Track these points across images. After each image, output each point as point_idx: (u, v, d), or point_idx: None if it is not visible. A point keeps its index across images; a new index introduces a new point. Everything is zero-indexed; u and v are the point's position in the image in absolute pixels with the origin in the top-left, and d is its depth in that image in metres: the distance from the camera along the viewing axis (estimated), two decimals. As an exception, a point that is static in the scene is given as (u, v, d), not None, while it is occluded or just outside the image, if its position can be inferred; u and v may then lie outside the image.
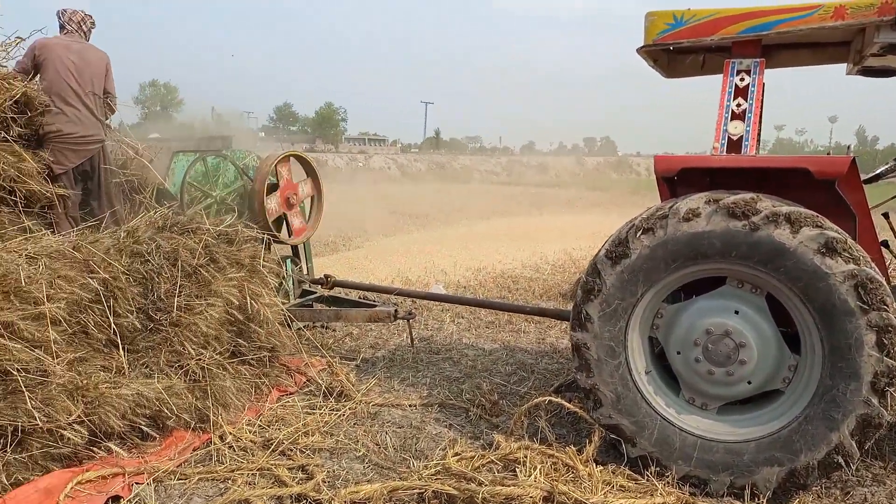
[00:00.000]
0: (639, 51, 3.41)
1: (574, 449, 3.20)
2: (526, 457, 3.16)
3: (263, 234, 4.46)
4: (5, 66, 4.27)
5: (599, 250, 3.16)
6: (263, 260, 4.29)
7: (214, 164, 5.08)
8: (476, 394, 4.26)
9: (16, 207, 3.81)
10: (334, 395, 4.22)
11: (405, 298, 6.40)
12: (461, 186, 30.00)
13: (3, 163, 3.70)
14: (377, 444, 3.61)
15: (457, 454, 3.28)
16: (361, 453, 3.50)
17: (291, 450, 3.47)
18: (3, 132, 3.89)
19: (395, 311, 4.86)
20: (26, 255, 3.21)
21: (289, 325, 4.57)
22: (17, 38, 4.27)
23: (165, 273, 3.74)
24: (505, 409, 4.10)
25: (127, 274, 3.60)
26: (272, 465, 3.27)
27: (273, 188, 5.03)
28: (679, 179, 3.25)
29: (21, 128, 4.01)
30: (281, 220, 5.26)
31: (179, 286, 3.75)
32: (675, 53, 3.57)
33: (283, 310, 4.24)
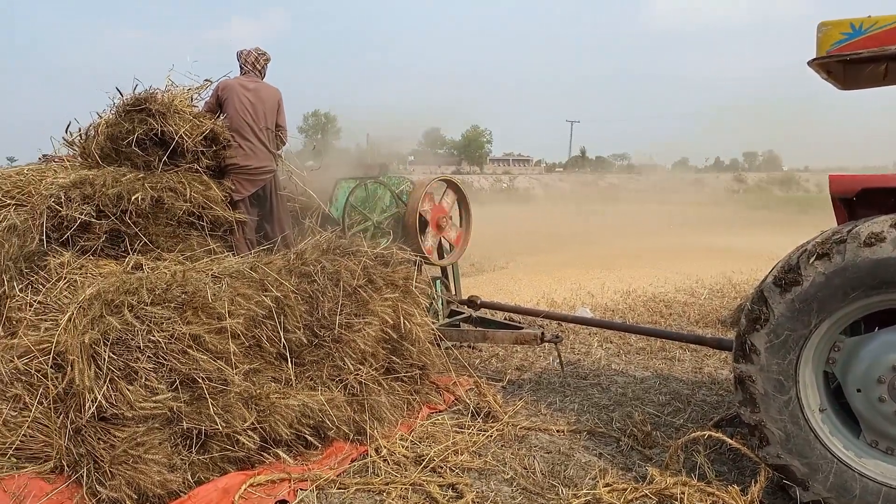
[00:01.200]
0: (811, 63, 3.17)
1: (737, 488, 3.00)
2: (683, 493, 3.01)
3: (416, 256, 4.62)
4: (196, 106, 4.82)
5: (766, 276, 2.95)
6: (416, 281, 4.47)
7: (373, 189, 5.38)
8: (627, 423, 4.12)
9: (203, 231, 4.28)
10: (482, 415, 4.27)
11: (551, 321, 6.34)
12: (608, 206, 29.26)
13: (194, 191, 4.17)
14: (525, 468, 3.59)
15: (608, 485, 3.19)
16: (509, 476, 3.50)
17: (442, 467, 3.55)
18: (195, 164, 4.39)
19: (542, 333, 4.83)
20: (212, 274, 3.58)
21: (438, 345, 4.70)
22: (206, 80, 4.81)
23: (329, 293, 4.01)
24: (659, 440, 3.92)
25: (296, 293, 3.90)
26: (424, 480, 3.36)
27: (425, 220, 5.22)
28: (858, 200, 2.96)
29: (208, 160, 4.50)
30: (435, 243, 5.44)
31: (341, 305, 4.00)
32: (851, 64, 3.28)
33: (432, 329, 4.37)
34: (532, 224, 19.69)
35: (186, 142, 4.23)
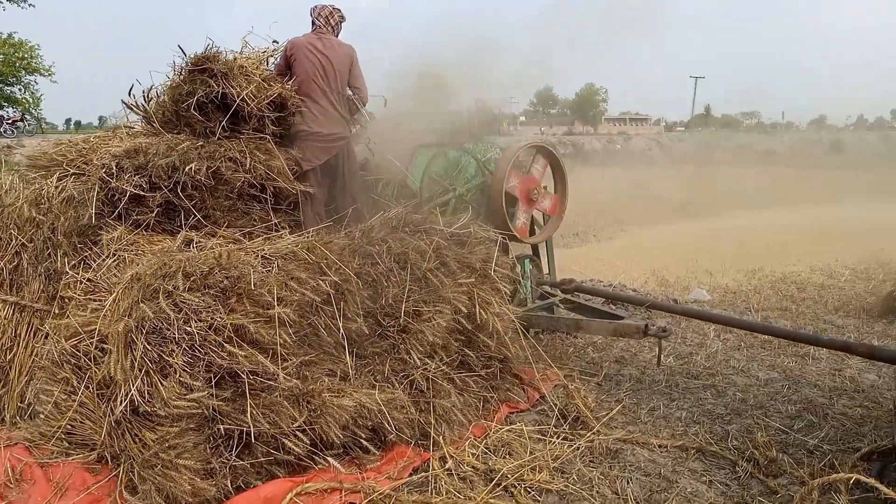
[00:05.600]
0: None
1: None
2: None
3: (498, 234, 4.07)
4: (269, 70, 4.45)
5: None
6: (496, 264, 3.92)
7: (455, 157, 4.85)
8: (746, 442, 3.42)
9: (266, 204, 3.93)
10: (569, 420, 3.71)
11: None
12: (734, 170, 26.81)
13: (256, 160, 3.82)
14: (616, 494, 3.02)
15: (718, 532, 2.56)
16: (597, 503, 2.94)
17: (515, 487, 3.04)
18: (261, 131, 4.04)
19: (646, 326, 4.16)
20: (263, 255, 3.22)
21: (524, 333, 4.16)
22: (275, 41, 4.43)
23: (395, 276, 3.57)
24: (786, 468, 3.21)
25: (357, 277, 3.48)
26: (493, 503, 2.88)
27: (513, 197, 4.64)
28: None
29: (275, 126, 4.13)
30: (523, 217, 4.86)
31: (408, 291, 3.54)
32: None
33: (514, 319, 3.81)
34: (646, 189, 18.36)
35: (249, 105, 3.88)
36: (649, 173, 25.59)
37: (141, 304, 2.81)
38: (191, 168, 3.52)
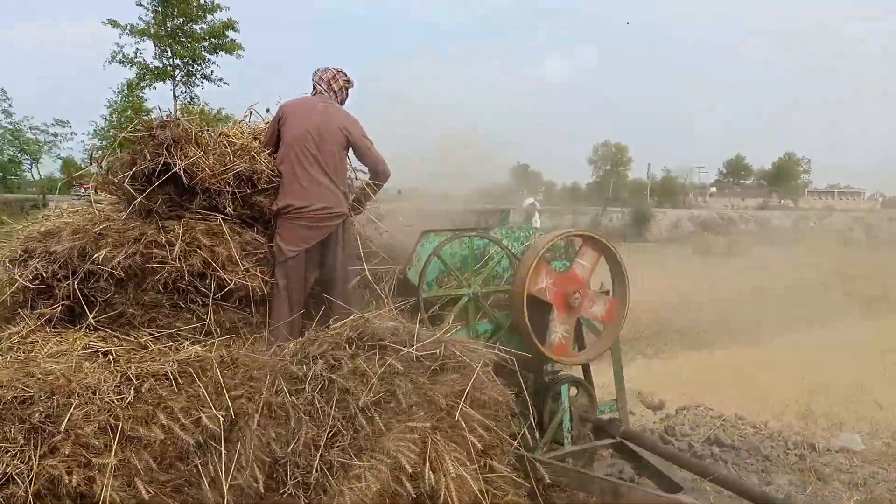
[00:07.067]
0: None
1: None
2: None
3: (496, 355, 2.99)
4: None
5: None
6: (485, 398, 2.84)
7: (481, 247, 3.85)
8: None
9: (206, 300, 3.21)
10: None
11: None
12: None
13: (194, 245, 3.15)
14: None
15: None
16: None
17: None
18: (224, 210, 3.40)
19: (710, 512, 2.79)
20: (123, 374, 2.47)
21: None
22: (267, 109, 3.85)
23: (319, 412, 2.64)
24: None
25: (267, 410, 2.61)
26: None
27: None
28: None
29: (244, 206, 3.48)
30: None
31: (332, 434, 2.59)
32: None
33: (476, 488, 2.66)
34: (828, 278, 15.42)
35: (200, 180, 3.25)
36: (842, 258, 21.85)
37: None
38: (98, 256, 2.92)
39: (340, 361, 2.76)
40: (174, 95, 26.71)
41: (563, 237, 3.70)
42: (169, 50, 25.62)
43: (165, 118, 3.37)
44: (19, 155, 31.90)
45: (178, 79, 26.96)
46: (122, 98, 25.12)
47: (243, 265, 3.30)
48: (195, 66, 26.88)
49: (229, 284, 3.18)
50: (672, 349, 8.10)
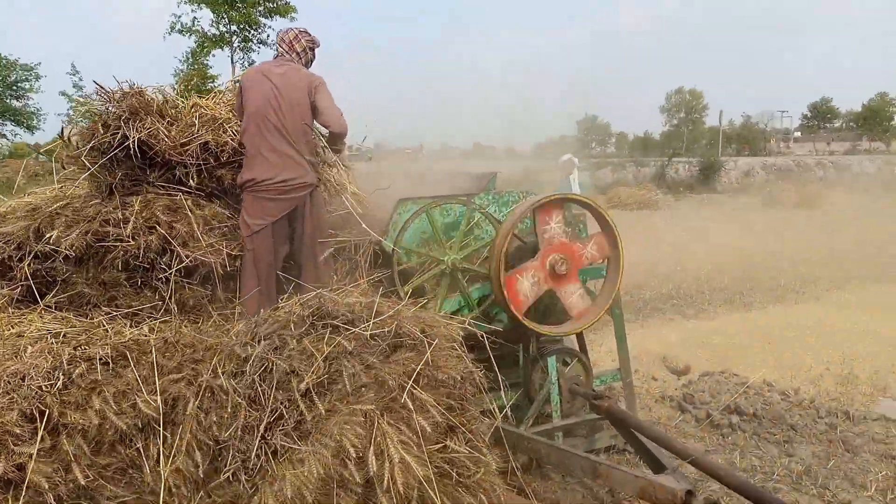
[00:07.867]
0: None
1: None
2: None
3: (460, 326, 2.80)
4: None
5: None
6: (441, 375, 2.67)
7: (460, 215, 3.62)
8: None
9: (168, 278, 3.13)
10: None
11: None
12: None
13: (152, 222, 3.06)
14: None
15: None
16: None
17: None
18: (185, 184, 3.30)
19: (689, 493, 2.56)
20: (68, 355, 2.42)
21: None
22: (232, 81, 3.69)
23: (261, 396, 2.53)
24: None
25: (207, 394, 2.52)
26: None
27: (528, 253, 3.30)
28: None
29: (211, 178, 3.37)
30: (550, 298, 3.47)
31: (272, 417, 2.49)
32: None
33: (420, 474, 2.50)
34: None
35: (158, 152, 3.15)
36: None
37: None
38: (50, 236, 2.87)
39: (286, 342, 2.65)
40: (231, 62, 27.01)
41: (550, 200, 3.37)
42: (225, 16, 25.89)
43: (126, 89, 3.26)
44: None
45: (235, 45, 27.28)
46: (187, 66, 25.68)
47: (206, 240, 3.20)
48: (251, 31, 27.10)
49: (185, 261, 3.09)
50: (714, 310, 7.65)
